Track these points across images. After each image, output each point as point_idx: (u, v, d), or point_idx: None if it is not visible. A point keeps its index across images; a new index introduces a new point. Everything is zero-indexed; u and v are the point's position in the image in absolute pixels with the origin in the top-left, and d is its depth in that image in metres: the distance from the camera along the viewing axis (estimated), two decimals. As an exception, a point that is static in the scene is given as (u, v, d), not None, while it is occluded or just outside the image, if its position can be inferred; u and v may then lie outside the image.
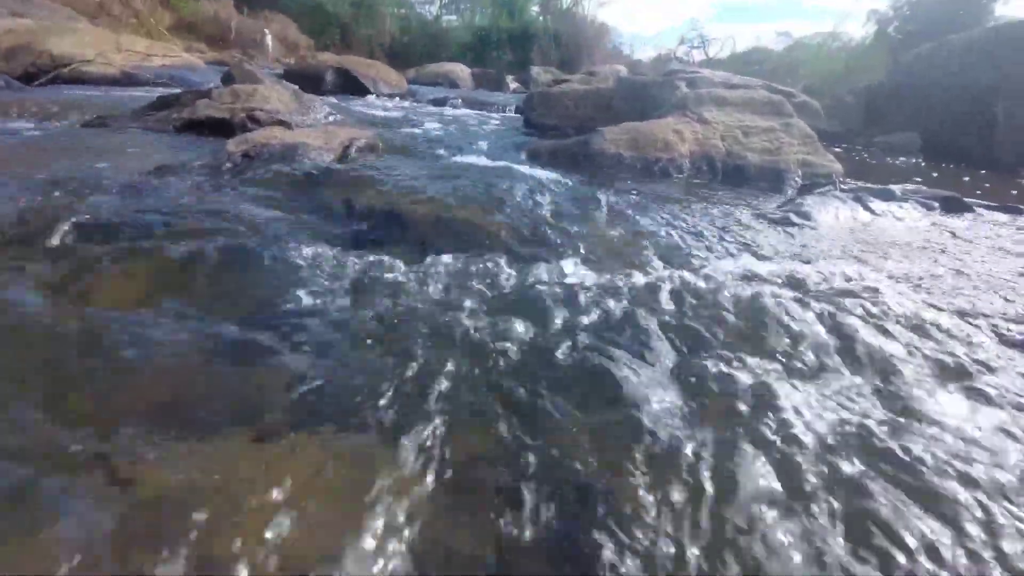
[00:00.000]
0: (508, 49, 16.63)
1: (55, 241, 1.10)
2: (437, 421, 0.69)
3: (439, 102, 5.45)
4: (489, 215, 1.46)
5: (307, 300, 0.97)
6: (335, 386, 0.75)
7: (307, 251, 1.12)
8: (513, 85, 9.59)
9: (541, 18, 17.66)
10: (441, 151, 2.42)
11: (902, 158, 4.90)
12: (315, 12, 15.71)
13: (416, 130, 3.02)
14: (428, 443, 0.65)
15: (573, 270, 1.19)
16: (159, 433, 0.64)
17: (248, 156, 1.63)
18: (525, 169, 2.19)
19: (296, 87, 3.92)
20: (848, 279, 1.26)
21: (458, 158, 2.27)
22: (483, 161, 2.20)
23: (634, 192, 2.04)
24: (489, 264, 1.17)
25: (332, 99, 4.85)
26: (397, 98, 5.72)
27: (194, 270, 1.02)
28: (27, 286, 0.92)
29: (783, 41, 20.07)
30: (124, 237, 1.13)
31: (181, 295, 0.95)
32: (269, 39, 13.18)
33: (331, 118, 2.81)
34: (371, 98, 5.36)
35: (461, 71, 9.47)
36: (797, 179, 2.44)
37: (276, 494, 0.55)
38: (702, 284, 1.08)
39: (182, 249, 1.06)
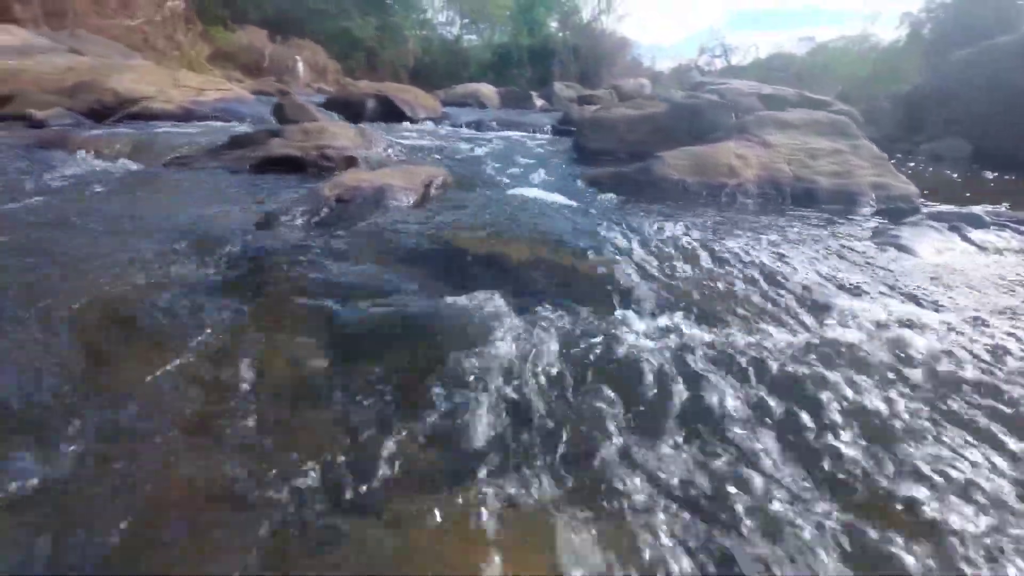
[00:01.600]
0: (528, 65, 16.88)
1: (206, 301, 1.11)
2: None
3: (476, 125, 5.54)
4: (578, 258, 1.45)
5: (462, 359, 0.95)
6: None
7: (425, 303, 1.12)
8: (539, 103, 9.70)
9: (560, 34, 17.88)
10: (505, 181, 2.44)
11: (953, 168, 4.74)
12: (342, 37, 16.25)
13: (470, 159, 3.06)
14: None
15: (686, 324, 1.15)
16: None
17: (342, 200, 1.66)
18: (594, 200, 2.19)
19: (352, 122, 4.03)
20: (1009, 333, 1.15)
21: (524, 190, 2.29)
22: (553, 195, 2.21)
23: (713, 221, 2.01)
24: (596, 316, 1.14)
25: (376, 125, 4.98)
26: (433, 122, 5.83)
27: (350, 331, 1.02)
28: (198, 344, 0.93)
29: (805, 45, 19.80)
30: (258, 293, 1.15)
31: (354, 360, 0.95)
32: (300, 65, 13.67)
33: (389, 151, 2.88)
34: (409, 124, 5.48)
35: (487, 91, 9.64)
36: (872, 202, 2.37)
37: None
38: (854, 337, 1.02)
39: (321, 306, 1.08)
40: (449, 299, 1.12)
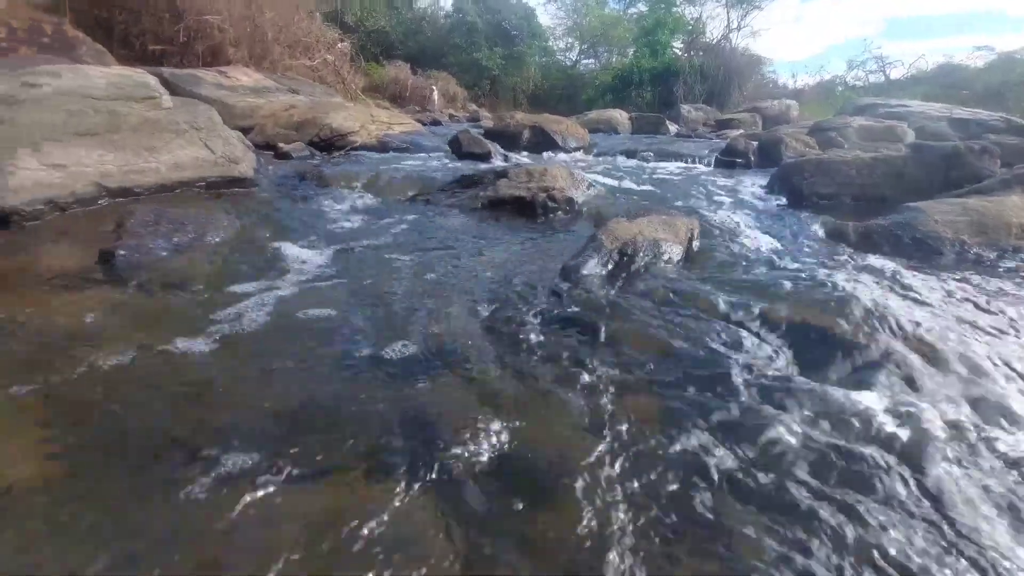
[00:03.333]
0: (649, 87, 16.57)
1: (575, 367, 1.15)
2: None
3: (629, 154, 5.49)
4: (893, 335, 1.27)
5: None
6: None
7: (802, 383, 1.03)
8: (672, 128, 9.41)
9: (685, 54, 17.31)
10: (732, 229, 2.31)
11: None
12: (471, 67, 17.53)
13: (664, 198, 2.99)
14: None
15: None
16: None
17: (623, 253, 1.69)
18: (854, 260, 1.96)
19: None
20: None
21: (768, 241, 2.14)
22: (805, 248, 2.03)
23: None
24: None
25: (530, 155, 5.19)
26: (583, 151, 5.92)
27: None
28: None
29: (983, 56, 16.72)
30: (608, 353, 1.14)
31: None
32: (436, 94, 15.00)
33: (591, 190, 2.94)
34: (563, 155, 5.62)
35: (620, 116, 9.59)
36: None
37: None
38: None
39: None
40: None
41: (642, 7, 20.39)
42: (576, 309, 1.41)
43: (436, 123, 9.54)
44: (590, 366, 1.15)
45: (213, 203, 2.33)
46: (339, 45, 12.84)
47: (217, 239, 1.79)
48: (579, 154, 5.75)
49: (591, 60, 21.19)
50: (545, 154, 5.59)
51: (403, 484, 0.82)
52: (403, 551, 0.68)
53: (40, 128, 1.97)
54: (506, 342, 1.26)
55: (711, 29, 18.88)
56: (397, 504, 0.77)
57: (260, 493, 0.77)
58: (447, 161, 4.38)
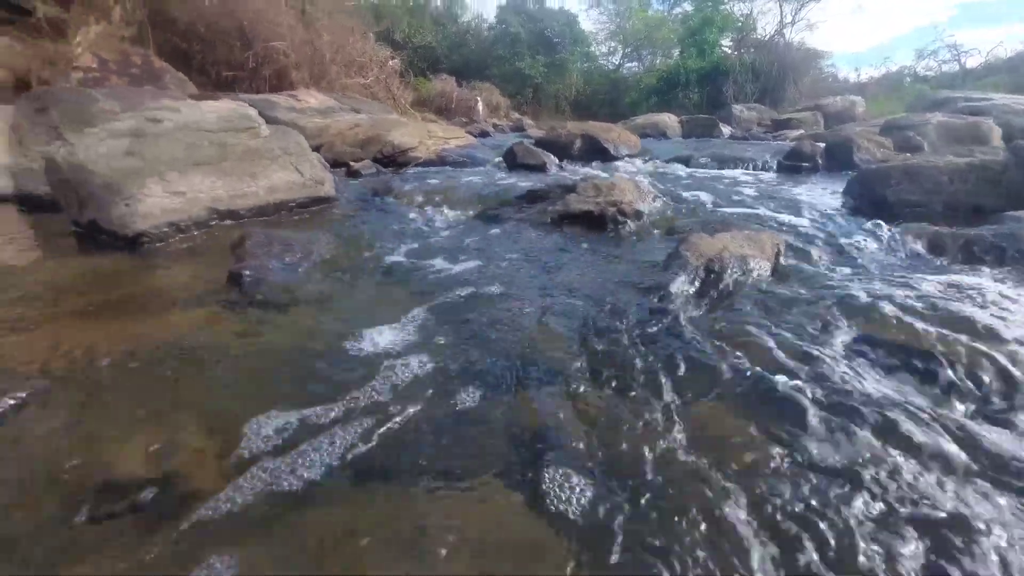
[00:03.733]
0: (696, 88, 16.13)
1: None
2: None
3: (685, 161, 5.39)
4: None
5: None
6: None
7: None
8: (726, 130, 9.10)
9: (735, 52, 16.71)
10: (814, 242, 2.23)
11: None
12: (514, 76, 17.77)
13: (729, 214, 2.93)
14: None
15: None
16: None
17: (710, 270, 1.69)
18: (959, 273, 1.85)
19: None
20: None
21: (858, 254, 2.05)
22: (901, 271, 1.92)
23: None
24: None
25: (582, 162, 5.21)
26: (636, 159, 5.86)
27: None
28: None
29: None
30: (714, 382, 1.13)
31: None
32: (480, 105, 15.33)
33: (657, 202, 2.93)
34: (616, 163, 5.59)
35: (669, 120, 9.40)
36: None
37: None
38: None
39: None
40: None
41: (687, 7, 19.90)
42: (669, 327, 1.43)
43: (484, 134, 9.75)
44: (691, 385, 1.17)
45: (307, 222, 2.53)
46: (390, 63, 13.42)
47: (323, 257, 1.95)
48: (632, 162, 5.70)
49: (634, 63, 20.90)
50: (595, 163, 5.59)
51: (526, 492, 0.87)
52: (520, 555, 0.73)
53: (164, 159, 2.22)
54: (604, 359, 1.29)
55: (763, 25, 18.15)
56: (523, 511, 0.83)
57: (411, 496, 0.84)
58: (503, 174, 4.48)
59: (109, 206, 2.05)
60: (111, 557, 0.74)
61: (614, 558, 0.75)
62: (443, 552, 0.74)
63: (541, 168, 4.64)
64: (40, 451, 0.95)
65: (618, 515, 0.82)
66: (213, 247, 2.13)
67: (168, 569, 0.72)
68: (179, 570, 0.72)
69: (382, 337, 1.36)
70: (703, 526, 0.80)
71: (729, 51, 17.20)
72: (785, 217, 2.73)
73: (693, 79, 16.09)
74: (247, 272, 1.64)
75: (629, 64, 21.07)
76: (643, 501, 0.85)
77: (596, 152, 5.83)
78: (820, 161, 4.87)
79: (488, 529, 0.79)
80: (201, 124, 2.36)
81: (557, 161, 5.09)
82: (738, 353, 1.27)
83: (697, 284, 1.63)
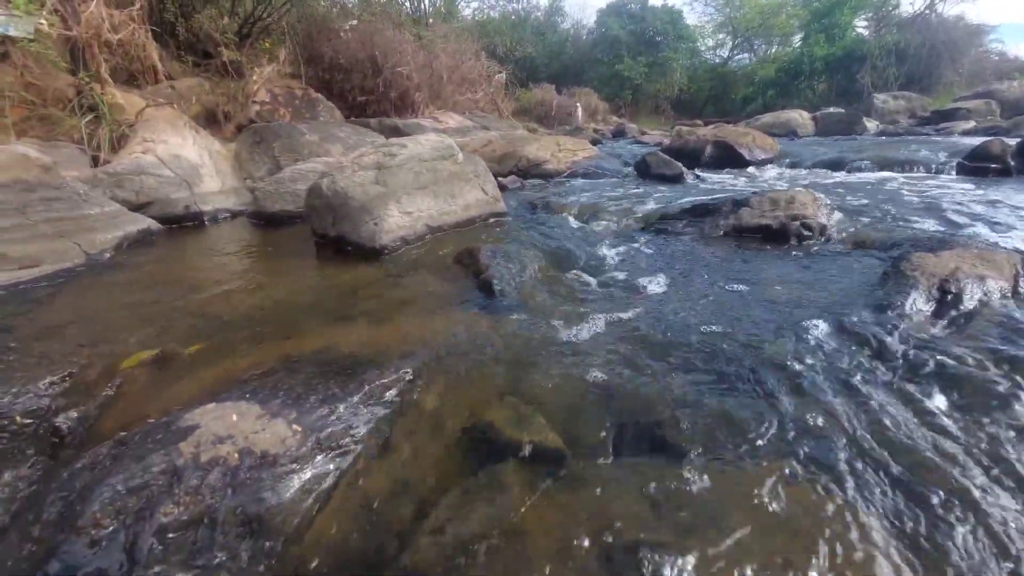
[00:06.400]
0: (824, 77, 14.59)
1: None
2: None
3: (838, 165, 4.97)
4: None
5: None
6: None
7: None
8: (871, 125, 8.14)
9: (875, 34, 14.82)
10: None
11: None
12: (613, 80, 17.60)
13: (920, 226, 2.69)
14: None
15: None
16: None
17: (944, 291, 1.64)
18: None
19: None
20: None
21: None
22: None
23: None
24: None
25: (715, 170, 5.05)
26: (774, 164, 5.55)
27: None
28: None
29: None
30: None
31: None
32: (579, 111, 15.44)
33: (835, 215, 2.81)
34: (752, 169, 5.36)
35: (800, 116, 8.67)
36: None
37: None
38: None
39: None
40: None
41: (811, -12, 18.06)
42: (906, 351, 1.42)
43: (596, 142, 9.84)
44: (944, 423, 1.14)
45: (495, 235, 2.87)
46: (496, 77, 14.12)
47: (535, 267, 2.24)
48: (770, 168, 5.41)
49: (745, 55, 19.51)
50: (729, 170, 5.41)
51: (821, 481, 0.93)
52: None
53: (400, 186, 2.68)
54: (841, 388, 1.29)
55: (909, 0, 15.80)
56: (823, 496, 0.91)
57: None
58: (640, 183, 4.54)
59: (360, 224, 2.54)
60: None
61: None
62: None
63: (677, 178, 4.62)
64: (435, 413, 1.25)
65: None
66: (433, 257, 2.52)
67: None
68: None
69: (601, 335, 1.54)
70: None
71: (865, 32, 15.31)
72: (994, 229, 2.46)
73: (819, 68, 14.58)
74: (495, 280, 1.96)
75: (739, 56, 19.72)
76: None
77: (729, 159, 5.63)
78: (1012, 163, 4.20)
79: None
80: (420, 155, 2.80)
81: (688, 170, 5.02)
82: (1016, 377, 1.24)
83: (932, 304, 1.59)
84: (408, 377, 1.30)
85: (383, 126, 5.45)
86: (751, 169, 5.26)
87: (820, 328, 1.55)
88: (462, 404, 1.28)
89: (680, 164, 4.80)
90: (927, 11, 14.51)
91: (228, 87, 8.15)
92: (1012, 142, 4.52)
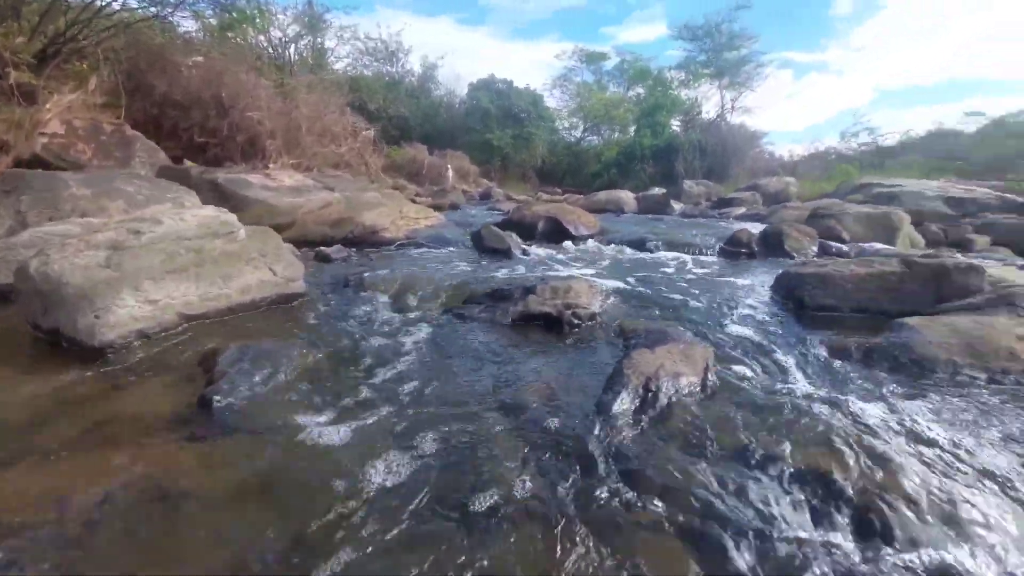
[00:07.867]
0: (651, 163, 17.69)
1: None
2: None
3: (640, 245, 5.86)
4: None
5: None
6: None
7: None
8: (677, 207, 9.99)
9: (684, 132, 18.65)
10: (743, 349, 2.49)
11: None
12: (483, 146, 18.89)
13: (671, 307, 3.24)
14: None
15: None
16: None
17: (647, 389, 1.89)
18: (858, 382, 2.14)
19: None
20: None
21: (780, 360, 2.34)
22: (811, 372, 2.22)
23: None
24: None
25: (543, 250, 5.57)
26: (594, 240, 6.32)
27: None
28: None
29: (974, 122, 17.50)
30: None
31: None
32: (450, 172, 16.09)
33: (609, 300, 3.21)
34: (569, 244, 5.97)
35: (627, 196, 10.24)
36: None
37: None
38: None
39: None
40: None
41: (640, 90, 22.25)
42: (609, 446, 1.60)
43: (455, 207, 10.17)
44: (621, 507, 1.32)
45: (275, 323, 2.61)
46: (364, 133, 14.04)
47: (293, 368, 2.03)
48: (590, 242, 6.15)
49: (594, 137, 22.79)
50: (556, 244, 5.98)
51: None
52: None
53: (141, 269, 2.30)
54: (548, 477, 1.43)
55: (707, 109, 20.45)
56: None
57: None
58: (471, 259, 4.74)
59: (76, 315, 2.09)
60: None
61: None
62: None
63: (506, 253, 4.94)
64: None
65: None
66: (180, 358, 2.17)
67: None
68: None
69: (352, 465, 1.45)
70: None
71: (678, 130, 19.16)
72: (720, 316, 3.05)
73: (648, 154, 17.69)
74: (217, 397, 1.71)
75: (590, 138, 22.94)
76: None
77: (559, 233, 6.26)
78: (756, 248, 5.45)
79: None
80: (181, 232, 2.46)
81: (522, 243, 5.42)
82: (662, 475, 1.45)
83: (636, 403, 1.83)
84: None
85: (201, 180, 4.86)
86: (568, 244, 5.92)
87: (541, 428, 1.65)
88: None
89: (510, 239, 5.15)
90: (719, 119, 18.85)
91: (12, 113, 6.69)
92: (756, 231, 5.88)
